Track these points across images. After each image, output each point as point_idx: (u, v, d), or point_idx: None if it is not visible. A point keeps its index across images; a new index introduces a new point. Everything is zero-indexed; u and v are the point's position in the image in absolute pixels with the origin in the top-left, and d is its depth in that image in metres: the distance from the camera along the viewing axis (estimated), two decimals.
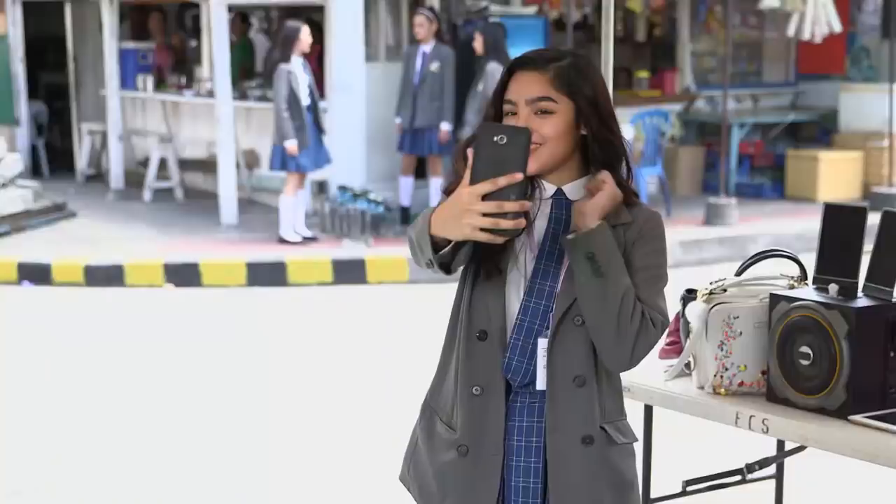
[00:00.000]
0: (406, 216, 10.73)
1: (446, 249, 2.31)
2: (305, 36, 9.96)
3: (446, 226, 2.24)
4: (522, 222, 2.19)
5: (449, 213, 2.23)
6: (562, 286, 2.40)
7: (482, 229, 2.18)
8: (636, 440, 2.55)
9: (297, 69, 9.91)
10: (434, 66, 10.46)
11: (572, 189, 2.44)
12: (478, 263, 2.42)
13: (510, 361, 2.42)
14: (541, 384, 2.42)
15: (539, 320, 2.41)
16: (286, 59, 9.93)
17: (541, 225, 2.43)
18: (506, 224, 2.17)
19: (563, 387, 2.40)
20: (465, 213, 2.18)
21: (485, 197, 2.17)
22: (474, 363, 2.44)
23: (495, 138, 2.20)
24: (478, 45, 10.22)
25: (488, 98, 9.64)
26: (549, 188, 2.44)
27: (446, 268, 2.35)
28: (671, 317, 3.19)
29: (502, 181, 2.15)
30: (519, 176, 2.17)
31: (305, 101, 9.96)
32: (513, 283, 2.42)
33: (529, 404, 2.44)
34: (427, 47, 10.52)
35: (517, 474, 2.44)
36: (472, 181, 2.19)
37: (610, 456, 2.44)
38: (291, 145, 9.81)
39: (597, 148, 2.41)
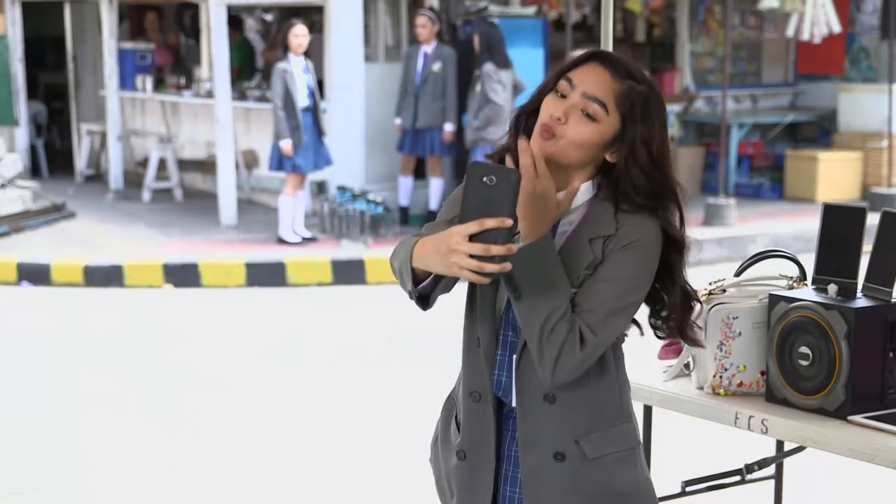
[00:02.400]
0: (405, 216, 10.73)
1: (426, 282, 2.31)
2: (295, 35, 9.92)
3: (429, 260, 2.23)
4: (507, 266, 2.16)
5: (434, 248, 2.21)
6: None
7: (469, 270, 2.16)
8: (635, 444, 2.42)
9: (294, 68, 9.91)
10: (436, 67, 10.46)
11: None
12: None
13: (499, 378, 2.39)
14: (515, 400, 2.37)
15: (519, 336, 2.35)
16: (281, 58, 9.96)
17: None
18: (491, 268, 2.15)
19: (533, 403, 2.34)
20: (452, 253, 2.16)
21: (472, 237, 2.16)
22: (473, 370, 2.42)
23: (484, 179, 2.17)
24: (476, 44, 10.25)
25: (488, 98, 9.64)
26: None
27: (424, 300, 2.34)
28: None
29: (490, 223, 2.13)
30: (509, 222, 2.14)
31: (304, 101, 9.95)
32: (505, 293, 2.37)
33: (515, 434, 2.40)
34: (428, 48, 10.52)
35: (505, 483, 2.42)
36: (461, 220, 2.17)
37: (585, 469, 2.35)
38: (286, 145, 9.83)
39: (646, 185, 2.29)
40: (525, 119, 2.40)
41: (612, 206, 2.32)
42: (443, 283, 2.34)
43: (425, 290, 2.33)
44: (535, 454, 2.36)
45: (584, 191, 2.36)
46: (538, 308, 2.24)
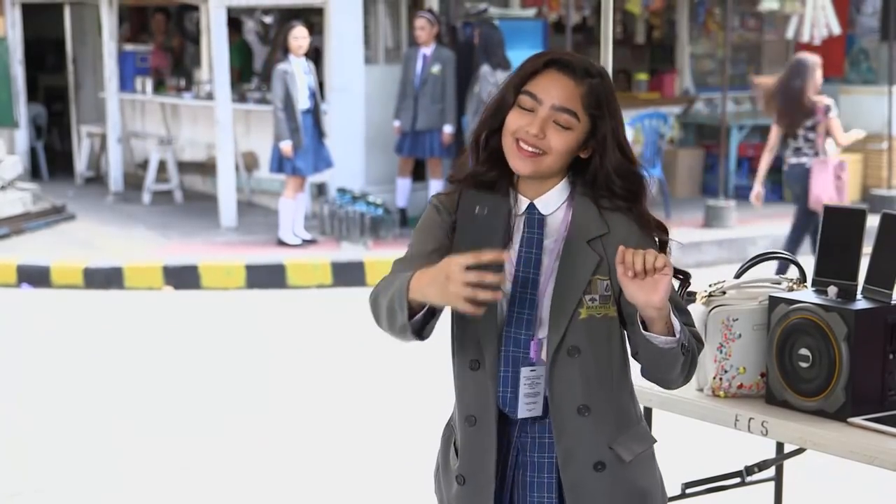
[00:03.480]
0: (403, 218, 10.72)
1: (419, 315, 2.30)
2: (294, 37, 9.86)
3: (428, 291, 2.24)
4: (499, 294, 2.24)
5: (432, 278, 2.22)
6: (550, 317, 2.35)
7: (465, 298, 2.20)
8: (654, 442, 2.49)
9: (295, 70, 9.90)
10: (435, 69, 10.44)
11: (545, 204, 2.40)
12: None
13: (504, 395, 2.39)
14: (521, 412, 2.38)
15: (522, 349, 2.37)
16: (282, 59, 9.93)
17: (515, 248, 2.39)
18: (484, 296, 2.18)
19: (568, 418, 2.36)
20: (450, 282, 2.18)
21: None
22: (468, 393, 2.42)
23: (477, 209, 2.30)
24: (476, 42, 10.34)
25: (482, 101, 9.68)
26: (522, 202, 2.40)
27: (419, 334, 2.34)
28: None
29: (487, 258, 2.18)
30: (504, 256, 2.22)
31: (305, 103, 9.93)
32: (504, 311, 2.39)
33: (539, 441, 2.40)
34: (427, 50, 10.50)
35: (531, 489, 2.41)
36: (457, 250, 2.27)
37: (622, 473, 2.40)
38: (286, 146, 9.82)
39: (621, 176, 2.37)
40: (487, 138, 2.41)
41: (593, 203, 2.38)
42: (438, 316, 2.36)
43: (417, 324, 2.32)
44: (575, 468, 2.37)
45: (561, 190, 2.41)
46: (678, 351, 2.35)
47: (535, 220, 2.39)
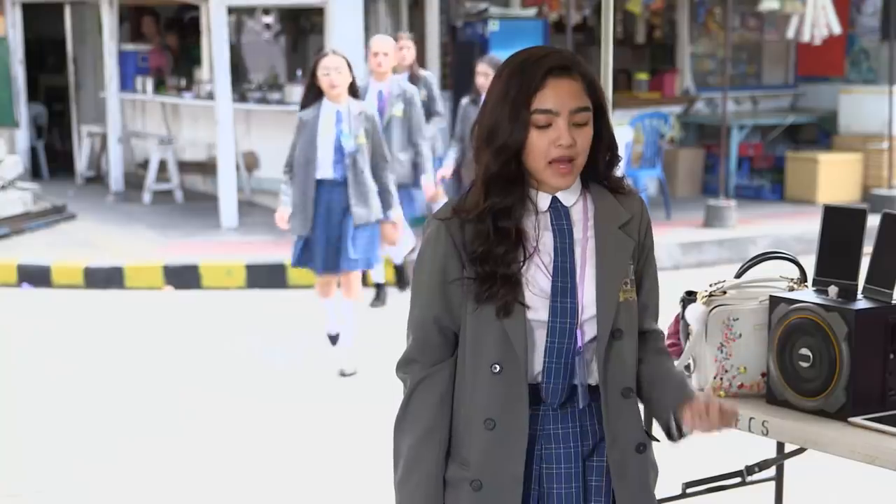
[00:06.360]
0: (401, 278, 9.00)
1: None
2: (324, 69, 6.60)
3: None
4: None
5: None
6: (598, 302, 2.39)
7: None
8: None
9: (323, 117, 6.69)
10: (397, 110, 8.18)
11: (566, 196, 2.43)
12: (478, 296, 2.37)
13: (547, 385, 2.40)
14: (583, 401, 2.42)
15: (567, 339, 2.39)
16: (306, 103, 6.76)
17: (547, 241, 2.41)
18: None
19: (615, 400, 2.43)
20: None
21: None
22: (487, 396, 2.40)
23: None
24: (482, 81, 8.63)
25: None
26: (543, 198, 2.41)
27: None
28: (671, 318, 3.21)
29: None
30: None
31: (326, 170, 6.71)
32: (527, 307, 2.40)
33: (563, 433, 2.44)
34: (383, 86, 8.21)
35: (558, 481, 2.43)
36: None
37: (649, 454, 2.51)
38: (279, 212, 6.92)
39: (608, 154, 2.44)
40: (499, 169, 2.38)
41: (604, 188, 2.46)
42: None
43: None
44: (619, 449, 2.44)
45: (577, 183, 2.44)
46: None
47: (561, 211, 2.42)
